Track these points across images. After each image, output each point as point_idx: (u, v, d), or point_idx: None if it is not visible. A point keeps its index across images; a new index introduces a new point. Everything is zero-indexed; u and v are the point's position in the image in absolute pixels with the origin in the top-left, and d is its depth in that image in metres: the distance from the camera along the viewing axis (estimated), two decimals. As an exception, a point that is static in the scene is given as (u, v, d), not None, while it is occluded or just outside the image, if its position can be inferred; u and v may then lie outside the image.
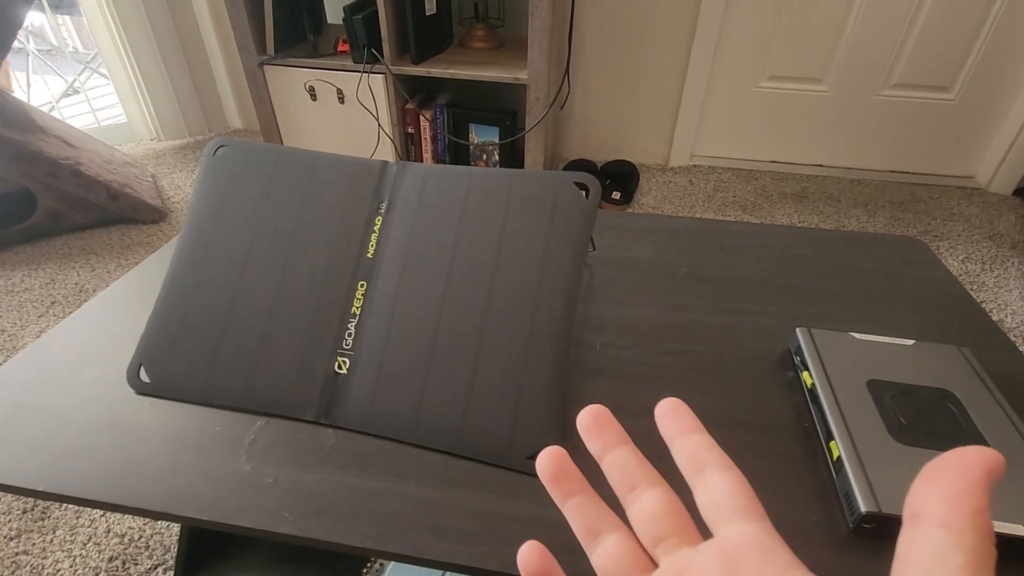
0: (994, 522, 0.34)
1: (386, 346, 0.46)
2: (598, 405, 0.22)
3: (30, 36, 2.73)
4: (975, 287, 1.46)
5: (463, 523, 0.38)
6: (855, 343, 0.49)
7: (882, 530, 0.36)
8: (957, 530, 0.13)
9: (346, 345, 0.47)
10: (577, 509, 0.21)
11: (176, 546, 0.85)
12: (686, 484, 0.20)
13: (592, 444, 0.21)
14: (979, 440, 0.40)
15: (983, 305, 1.39)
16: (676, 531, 0.19)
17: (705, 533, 0.19)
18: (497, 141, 1.78)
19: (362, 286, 0.48)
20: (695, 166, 2.08)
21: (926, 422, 0.42)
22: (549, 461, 0.21)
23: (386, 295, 0.47)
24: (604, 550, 0.20)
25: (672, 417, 0.21)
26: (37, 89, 2.64)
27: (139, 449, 0.43)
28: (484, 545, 0.37)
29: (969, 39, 1.71)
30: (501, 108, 1.76)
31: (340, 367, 0.46)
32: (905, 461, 0.39)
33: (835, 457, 0.40)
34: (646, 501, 0.20)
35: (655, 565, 0.19)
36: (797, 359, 0.50)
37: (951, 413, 0.43)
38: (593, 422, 0.22)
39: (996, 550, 0.14)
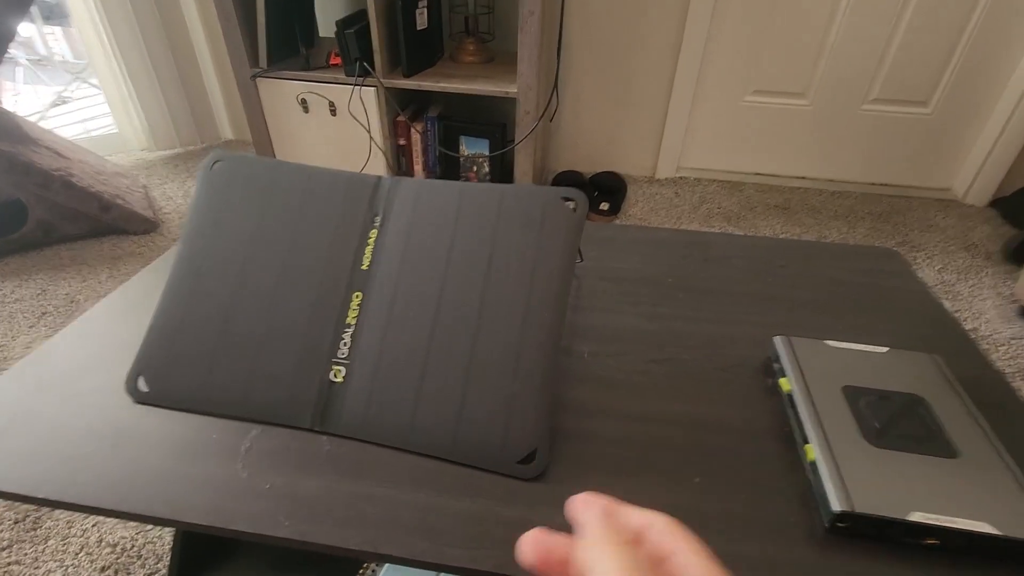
0: (964, 520, 0.36)
1: (381, 355, 0.47)
2: (532, 532, 0.22)
3: (19, 46, 2.72)
4: (950, 296, 1.50)
5: (457, 527, 0.40)
6: (831, 351, 0.51)
7: (856, 529, 0.38)
8: (600, 540, 0.19)
9: (341, 354, 0.48)
10: None
11: (169, 555, 0.86)
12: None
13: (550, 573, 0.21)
14: (947, 443, 0.42)
15: (958, 314, 1.43)
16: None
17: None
18: (487, 153, 1.81)
19: (357, 296, 0.49)
20: (681, 178, 2.12)
21: (898, 426, 0.44)
22: (532, 549, 0.21)
23: (381, 305, 0.49)
24: None
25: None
26: (26, 99, 2.63)
27: (137, 456, 0.44)
28: (478, 548, 0.38)
29: (945, 56, 1.77)
30: (491, 121, 1.79)
31: (336, 376, 0.47)
32: (878, 463, 0.41)
33: (811, 460, 0.42)
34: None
35: None
36: (776, 366, 0.52)
37: (922, 418, 0.45)
38: (536, 553, 0.21)
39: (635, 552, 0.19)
